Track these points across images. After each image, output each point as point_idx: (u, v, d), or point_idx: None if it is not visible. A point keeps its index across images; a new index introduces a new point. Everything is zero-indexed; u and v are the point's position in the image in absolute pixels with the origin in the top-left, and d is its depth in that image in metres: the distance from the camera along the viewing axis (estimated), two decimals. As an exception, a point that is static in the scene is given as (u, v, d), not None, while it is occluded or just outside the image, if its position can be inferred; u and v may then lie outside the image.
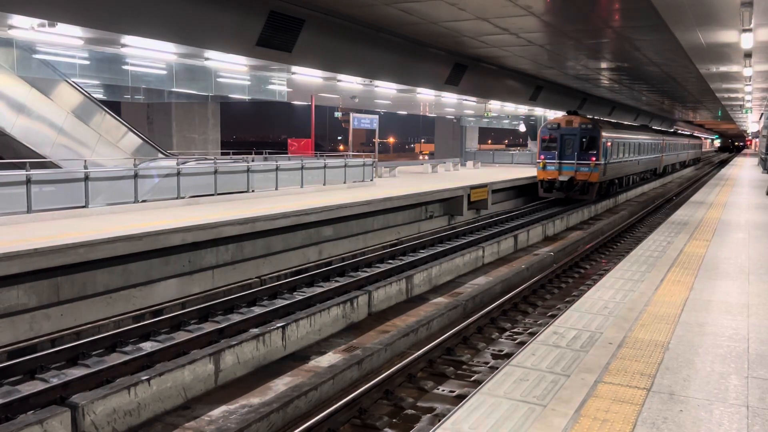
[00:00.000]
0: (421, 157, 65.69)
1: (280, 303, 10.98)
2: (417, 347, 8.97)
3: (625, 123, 37.39)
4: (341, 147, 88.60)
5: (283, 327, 8.93)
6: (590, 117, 27.39)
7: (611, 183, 27.42)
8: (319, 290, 11.77)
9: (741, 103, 33.75)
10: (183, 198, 14.46)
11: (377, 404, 7.33)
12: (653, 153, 36.10)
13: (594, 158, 24.64)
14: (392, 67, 18.06)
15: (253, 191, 16.36)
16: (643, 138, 32.78)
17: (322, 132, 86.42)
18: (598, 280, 8.35)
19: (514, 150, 53.34)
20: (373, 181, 21.66)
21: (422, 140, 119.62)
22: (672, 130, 52.45)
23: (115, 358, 8.33)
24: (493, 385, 4.70)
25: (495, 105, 29.77)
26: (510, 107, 31.06)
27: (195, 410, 7.26)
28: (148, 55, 14.10)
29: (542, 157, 25.46)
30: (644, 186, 36.43)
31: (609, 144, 25.66)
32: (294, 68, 16.06)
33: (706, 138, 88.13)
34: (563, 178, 25.08)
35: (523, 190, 26.87)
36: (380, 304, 11.27)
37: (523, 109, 33.08)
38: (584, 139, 24.72)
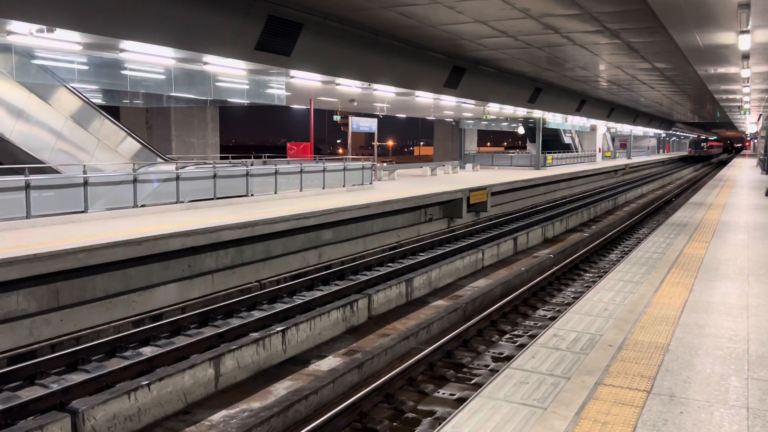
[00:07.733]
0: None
1: (280, 307, 10.98)
2: (417, 350, 8.97)
3: (705, 135, 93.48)
4: (340, 150, 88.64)
5: (283, 331, 8.93)
6: (703, 136, 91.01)
7: (708, 156, 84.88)
8: (319, 294, 11.77)
9: (739, 104, 33.77)
10: (182, 202, 14.46)
11: (378, 408, 7.33)
12: (713, 149, 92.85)
13: (705, 148, 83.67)
14: (391, 71, 18.07)
15: (252, 195, 16.35)
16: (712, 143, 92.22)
17: (321, 135, 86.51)
18: (598, 282, 8.35)
19: (513, 152, 53.26)
20: (372, 185, 21.65)
21: (421, 143, 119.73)
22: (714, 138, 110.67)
23: (115, 363, 8.31)
24: (494, 388, 4.69)
25: (494, 107, 29.81)
26: (509, 110, 31.11)
27: (195, 415, 7.26)
28: (147, 60, 14.11)
29: (689, 148, 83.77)
30: (643, 188, 38.24)
31: (708, 144, 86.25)
32: (293, 72, 16.08)
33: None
34: (695, 154, 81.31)
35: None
36: (380, 307, 11.27)
37: (521, 112, 33.14)
38: (701, 143, 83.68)
